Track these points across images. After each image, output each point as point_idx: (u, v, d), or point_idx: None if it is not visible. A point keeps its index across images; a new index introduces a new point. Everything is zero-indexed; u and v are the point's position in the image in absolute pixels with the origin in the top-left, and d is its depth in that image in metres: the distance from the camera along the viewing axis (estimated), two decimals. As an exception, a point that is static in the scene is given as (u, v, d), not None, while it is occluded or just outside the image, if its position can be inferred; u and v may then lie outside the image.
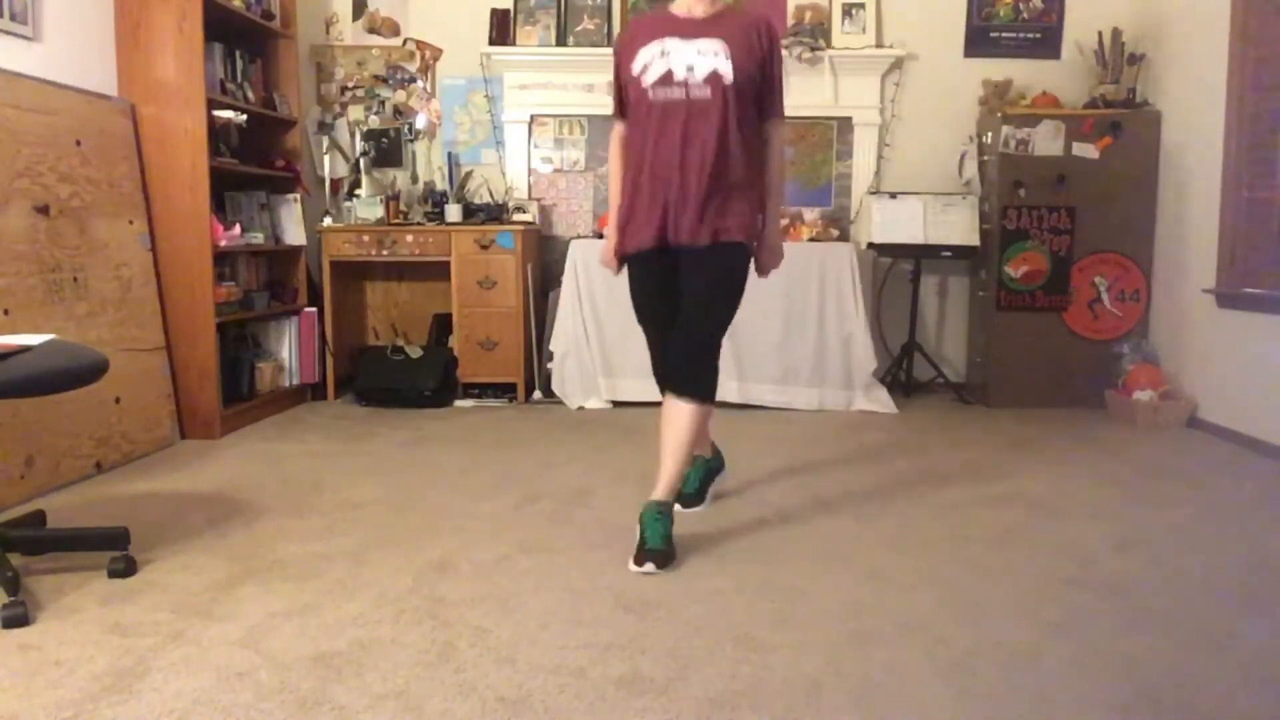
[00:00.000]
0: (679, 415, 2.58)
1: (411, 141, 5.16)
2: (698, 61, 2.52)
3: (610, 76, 2.82)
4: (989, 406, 4.72)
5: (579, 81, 5.10)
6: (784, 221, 4.93)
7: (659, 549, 2.46)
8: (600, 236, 4.77)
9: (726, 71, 2.51)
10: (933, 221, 4.80)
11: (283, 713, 1.73)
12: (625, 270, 2.81)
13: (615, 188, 2.81)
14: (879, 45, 5.00)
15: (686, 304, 2.63)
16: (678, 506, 2.69)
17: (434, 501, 3.06)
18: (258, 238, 4.32)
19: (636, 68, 2.59)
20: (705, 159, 2.52)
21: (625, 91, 2.67)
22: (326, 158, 5.04)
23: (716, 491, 3.07)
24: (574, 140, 5.19)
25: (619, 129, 2.80)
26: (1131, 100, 4.70)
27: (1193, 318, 4.36)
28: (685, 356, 2.61)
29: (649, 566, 2.42)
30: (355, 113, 5.20)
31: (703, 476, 3.00)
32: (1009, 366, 4.74)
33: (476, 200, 4.94)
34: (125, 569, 2.37)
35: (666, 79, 2.54)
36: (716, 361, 2.64)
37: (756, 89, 2.59)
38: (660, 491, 2.58)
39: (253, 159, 4.37)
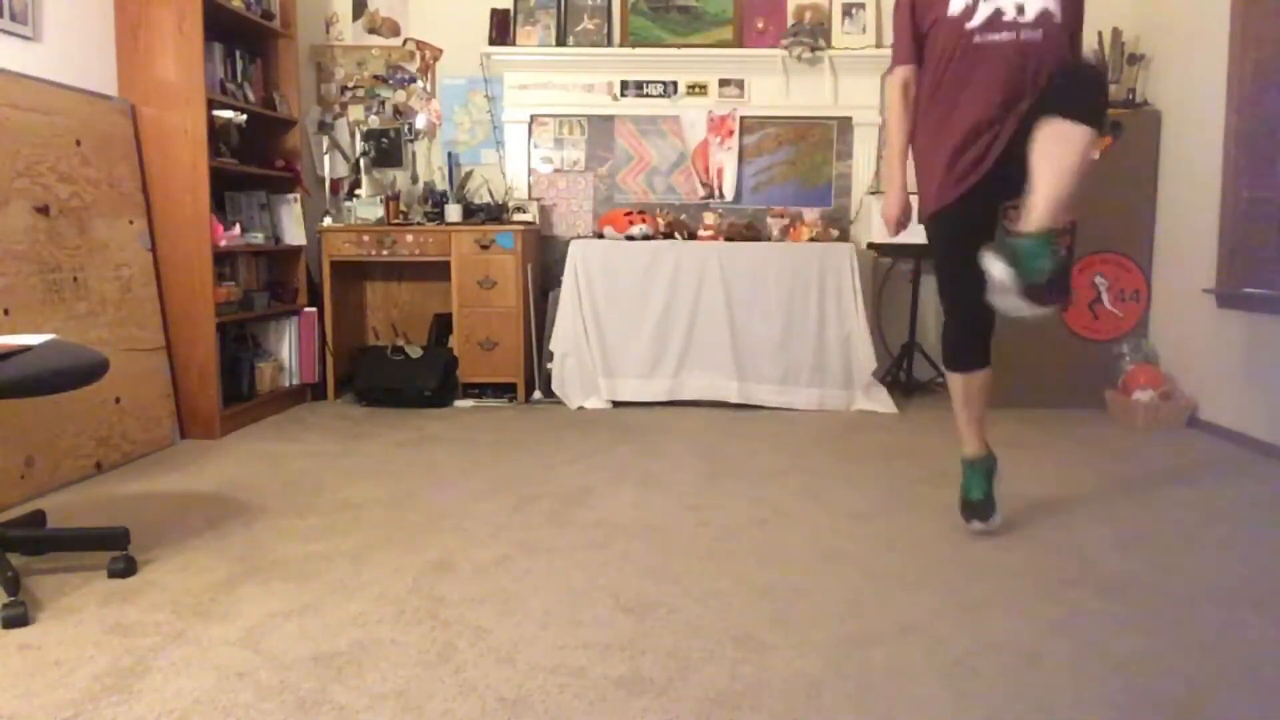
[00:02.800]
0: (1073, 133, 2.24)
1: (411, 141, 5.16)
2: (1027, 1, 2.38)
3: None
4: (989, 407, 4.71)
5: (579, 81, 5.11)
6: (813, 216, 4.93)
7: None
8: (601, 236, 4.78)
9: (1056, 9, 2.39)
10: (933, 221, 4.79)
11: (283, 713, 1.73)
12: (924, 227, 2.64)
13: (901, 140, 2.62)
14: (879, 45, 5.00)
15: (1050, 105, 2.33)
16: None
17: (434, 501, 3.06)
18: (258, 238, 4.32)
19: (956, 7, 2.42)
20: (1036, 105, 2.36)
21: (931, 34, 2.50)
22: (326, 158, 5.04)
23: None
24: (574, 140, 5.19)
25: (904, 74, 2.59)
26: (1131, 100, 4.70)
27: (1193, 318, 4.36)
28: (1075, 92, 2.33)
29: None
30: (355, 113, 5.21)
31: (986, 482, 2.69)
32: (1009, 367, 4.72)
33: (476, 200, 4.94)
34: (125, 569, 2.37)
35: (994, 20, 2.40)
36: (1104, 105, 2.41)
37: (1071, 29, 2.48)
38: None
39: (253, 159, 4.37)
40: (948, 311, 2.69)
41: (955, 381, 2.71)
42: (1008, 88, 2.39)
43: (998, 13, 2.39)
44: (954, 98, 2.46)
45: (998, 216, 2.54)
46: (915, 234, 4.77)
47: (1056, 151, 2.26)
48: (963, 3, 2.42)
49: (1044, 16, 2.38)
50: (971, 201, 2.50)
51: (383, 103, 5.20)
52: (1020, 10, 2.38)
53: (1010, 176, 2.41)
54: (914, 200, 2.74)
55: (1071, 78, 2.38)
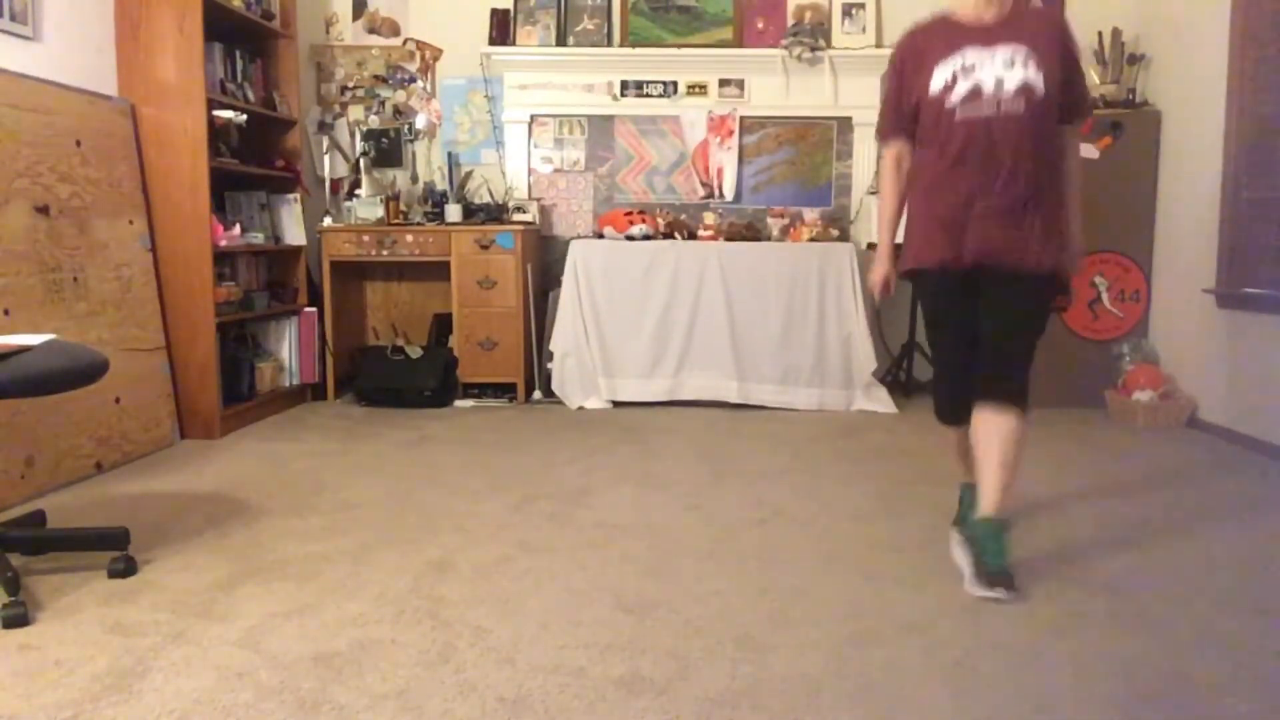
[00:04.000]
0: (1004, 430, 2.41)
1: (411, 141, 5.16)
2: (1007, 75, 2.37)
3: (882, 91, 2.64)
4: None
5: (579, 81, 5.11)
6: (813, 216, 4.93)
7: (1003, 569, 2.33)
8: (601, 236, 4.78)
9: (1038, 83, 2.36)
10: (933, 221, 4.79)
11: (283, 713, 1.73)
12: (897, 288, 2.69)
13: (892, 214, 2.64)
14: (879, 45, 5.00)
15: (997, 330, 2.48)
16: (1002, 592, 2.34)
17: (434, 501, 3.06)
18: (258, 238, 4.32)
19: (937, 85, 2.42)
20: (1020, 178, 2.38)
21: (918, 111, 2.49)
22: (326, 158, 5.05)
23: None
24: (574, 140, 5.19)
25: (896, 151, 2.60)
26: (1131, 100, 4.70)
27: (1193, 318, 4.36)
28: (1009, 374, 2.46)
29: (999, 592, 2.29)
30: (355, 113, 5.21)
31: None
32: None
33: (476, 200, 4.94)
34: (125, 569, 2.37)
35: (975, 95, 2.38)
36: (1028, 376, 2.49)
37: (1062, 95, 2.42)
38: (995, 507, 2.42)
39: (253, 159, 4.37)
40: (934, 363, 2.71)
41: (949, 435, 2.71)
42: (985, 162, 2.39)
43: (977, 88, 2.39)
44: (941, 170, 2.47)
45: (975, 299, 2.54)
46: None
47: (995, 447, 2.42)
48: (942, 80, 2.42)
49: (1025, 90, 2.36)
50: (950, 275, 2.50)
51: (383, 103, 5.20)
52: (999, 85, 2.37)
53: (981, 286, 2.47)
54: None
55: (1001, 354, 2.45)
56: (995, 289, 2.46)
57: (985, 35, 2.40)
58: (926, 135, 2.49)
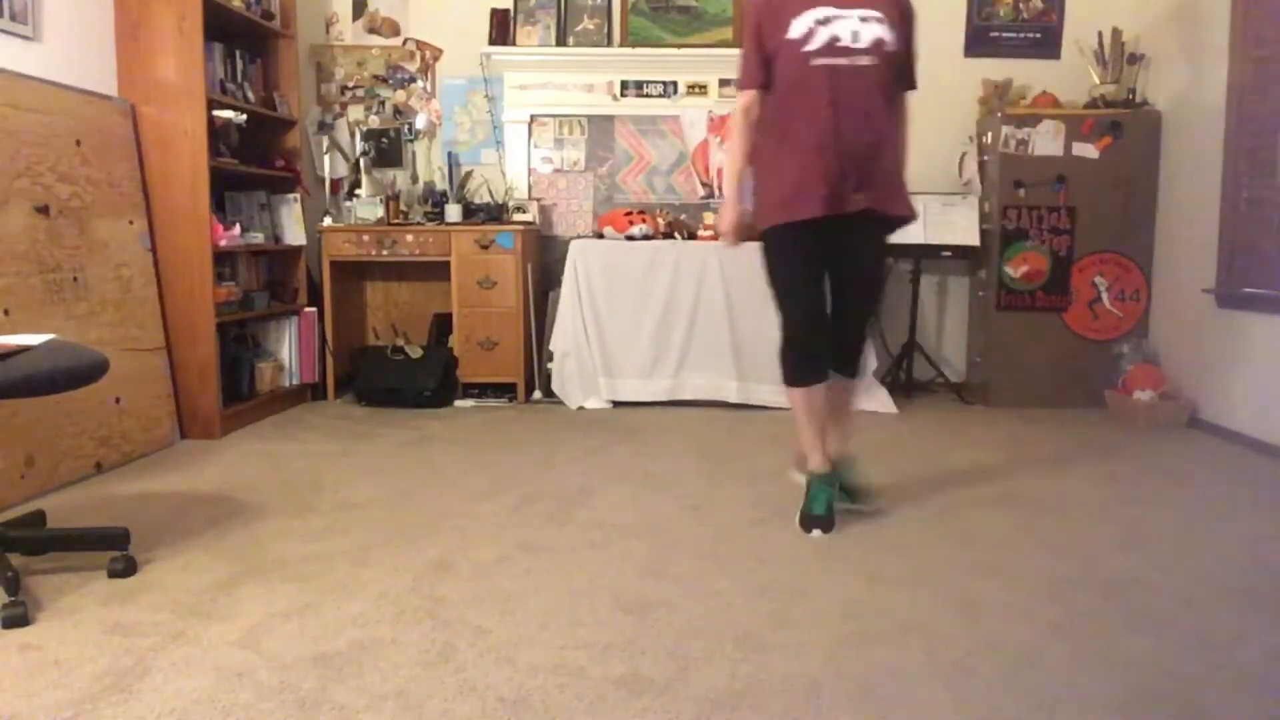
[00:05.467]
0: (851, 390, 2.85)
1: (411, 141, 5.16)
2: (862, 29, 2.58)
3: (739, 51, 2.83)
4: (989, 406, 4.72)
5: (579, 81, 5.10)
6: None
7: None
8: (601, 236, 4.78)
9: (890, 39, 2.60)
10: (933, 221, 4.79)
11: (283, 713, 1.73)
12: (762, 241, 2.81)
13: (740, 160, 2.80)
14: (879, 45, 4.99)
15: (857, 285, 2.76)
16: (819, 532, 2.73)
17: (434, 501, 3.06)
18: (258, 238, 4.32)
19: (796, 32, 2.59)
20: (872, 125, 2.60)
21: (774, 59, 2.66)
22: (326, 158, 5.04)
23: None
24: (574, 140, 5.19)
25: (748, 99, 2.77)
26: (1131, 100, 4.70)
27: (1193, 318, 4.36)
28: (861, 338, 2.83)
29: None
30: (355, 113, 5.20)
31: (831, 496, 2.81)
32: (1009, 366, 4.74)
33: (476, 200, 4.94)
34: (125, 569, 2.37)
35: (831, 45, 2.57)
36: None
37: (903, 60, 2.69)
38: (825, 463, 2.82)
39: (253, 159, 4.37)
40: (784, 327, 2.79)
41: (795, 397, 2.82)
42: (842, 109, 2.57)
43: (834, 38, 2.57)
44: (793, 119, 2.63)
45: (828, 253, 2.72)
46: (915, 234, 4.80)
47: (842, 408, 2.88)
48: (803, 28, 2.59)
49: (877, 44, 2.58)
50: (805, 229, 2.65)
51: (383, 103, 5.20)
52: (855, 37, 2.57)
53: (836, 247, 2.70)
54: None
55: (856, 321, 2.80)
56: (852, 239, 2.69)
57: None
58: (784, 84, 2.65)
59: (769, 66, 2.68)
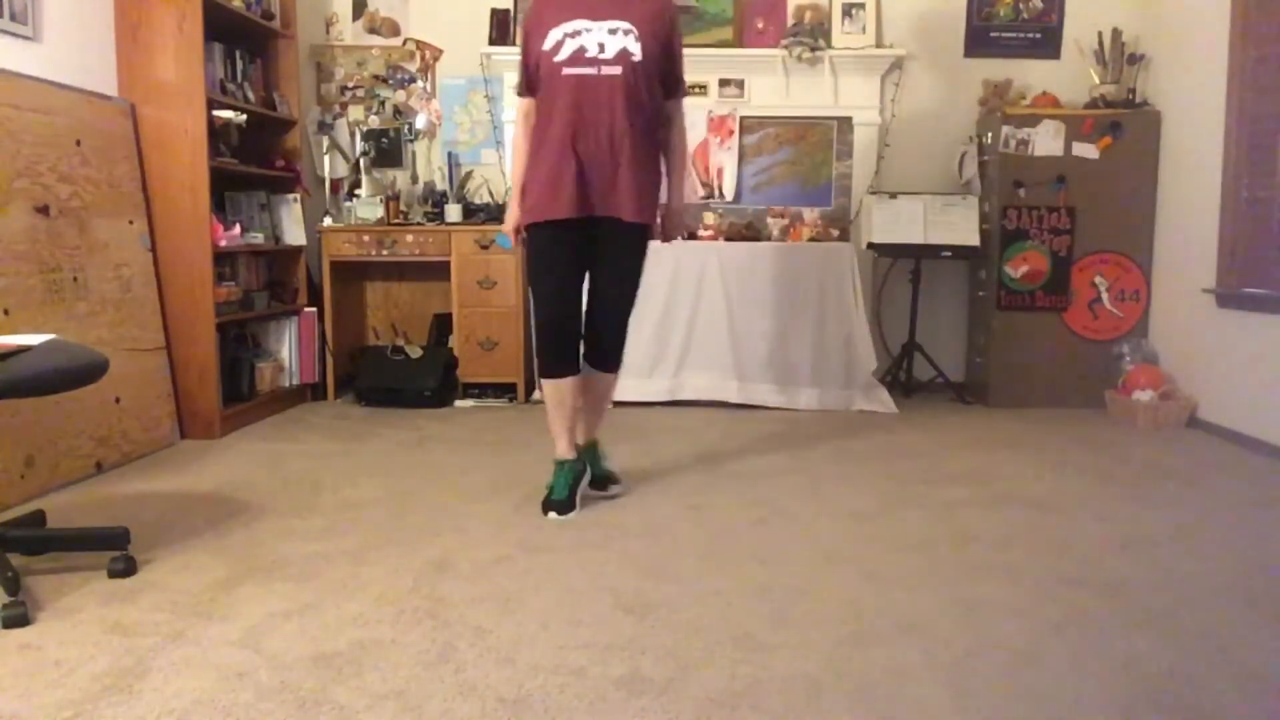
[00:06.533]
0: (604, 383, 3.02)
1: (411, 141, 5.16)
2: (609, 40, 2.74)
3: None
4: (989, 406, 4.72)
5: (579, 81, 5.10)
6: (813, 216, 4.93)
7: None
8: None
9: (635, 50, 2.74)
10: (933, 221, 4.80)
11: (283, 713, 1.73)
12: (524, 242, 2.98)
13: (520, 163, 2.94)
14: (879, 45, 5.00)
15: (606, 286, 2.91)
16: (554, 515, 2.88)
17: (434, 501, 3.06)
18: (258, 238, 4.32)
19: (549, 44, 2.76)
20: (615, 133, 2.74)
21: (535, 68, 2.83)
22: (326, 158, 5.04)
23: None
24: (574, 140, 5.18)
25: (524, 105, 2.94)
26: (1131, 100, 4.70)
27: (1193, 318, 4.36)
28: (613, 335, 2.95)
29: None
30: (355, 113, 5.20)
31: (573, 483, 2.98)
32: (1009, 366, 4.74)
33: (476, 200, 4.94)
34: (125, 569, 2.37)
35: (578, 56, 2.74)
36: (625, 330, 2.99)
37: (661, 69, 2.82)
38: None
39: (253, 159, 4.37)
40: (538, 321, 2.94)
41: (545, 388, 2.98)
42: (585, 117, 2.74)
43: (581, 49, 2.74)
44: (549, 125, 2.80)
45: (587, 253, 2.88)
46: (915, 234, 4.81)
47: (596, 400, 3.04)
48: (554, 40, 2.76)
49: (622, 55, 2.73)
50: (560, 228, 2.81)
51: (383, 103, 5.20)
52: (601, 49, 2.74)
53: (591, 248, 2.86)
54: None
55: (613, 320, 2.94)
56: (601, 243, 2.84)
57: (600, 9, 2.77)
58: (544, 92, 2.82)
59: (536, 76, 2.85)
